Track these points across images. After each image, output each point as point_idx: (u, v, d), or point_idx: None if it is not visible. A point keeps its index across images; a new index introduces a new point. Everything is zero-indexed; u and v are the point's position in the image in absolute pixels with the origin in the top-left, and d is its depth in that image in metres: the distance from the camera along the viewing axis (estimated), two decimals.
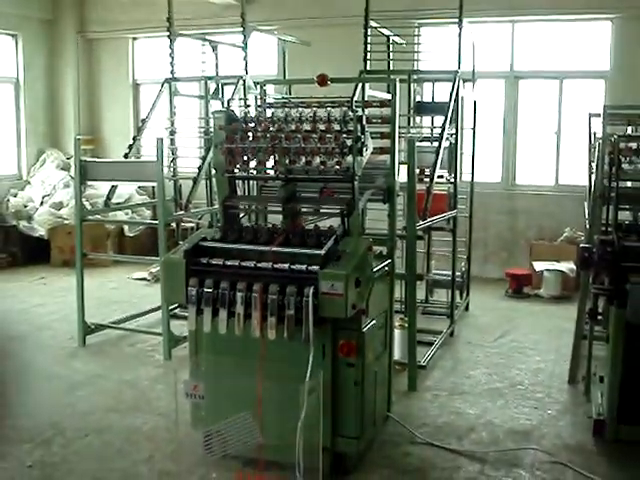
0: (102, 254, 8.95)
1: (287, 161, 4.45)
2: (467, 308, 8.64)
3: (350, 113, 4.36)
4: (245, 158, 4.52)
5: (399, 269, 6.82)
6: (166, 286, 4.40)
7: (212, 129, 5.09)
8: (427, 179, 6.61)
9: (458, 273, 8.05)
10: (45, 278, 10.58)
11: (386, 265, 4.80)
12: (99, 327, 7.45)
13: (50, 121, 12.83)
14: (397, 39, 8.21)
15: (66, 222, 11.29)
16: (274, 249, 4.21)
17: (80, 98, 12.88)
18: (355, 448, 4.41)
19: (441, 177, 7.11)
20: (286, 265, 4.12)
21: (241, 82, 8.04)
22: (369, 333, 4.39)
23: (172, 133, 8.33)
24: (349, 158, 4.41)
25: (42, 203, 11.82)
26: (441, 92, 8.31)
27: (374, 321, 4.51)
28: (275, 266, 4.14)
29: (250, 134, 4.48)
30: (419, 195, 6.04)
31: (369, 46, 7.62)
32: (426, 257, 8.32)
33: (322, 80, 4.84)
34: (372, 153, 5.17)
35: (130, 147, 7.79)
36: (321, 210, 4.65)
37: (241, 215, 4.85)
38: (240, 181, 4.99)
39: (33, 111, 12.49)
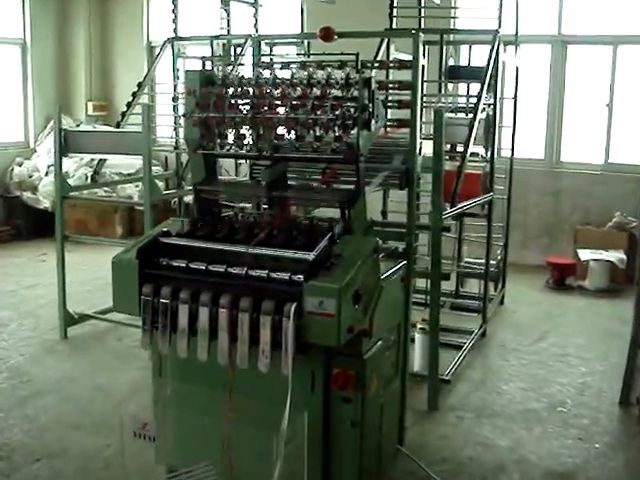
0: (84, 236, 8.09)
1: (273, 136, 3.48)
2: (502, 301, 7.67)
3: (354, 74, 3.38)
4: (222, 131, 3.57)
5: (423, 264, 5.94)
6: (116, 292, 3.49)
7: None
8: (458, 157, 5.62)
9: (493, 262, 7.08)
10: (46, 254, 9.77)
11: (400, 268, 3.82)
12: (84, 317, 6.62)
13: (59, 86, 11.97)
14: None
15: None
16: (250, 250, 3.26)
17: (92, 61, 12.02)
18: None
19: (475, 154, 6.11)
20: (264, 272, 3.19)
21: (250, 42, 7.05)
22: (373, 359, 3.44)
23: (175, 99, 7.43)
24: (353, 132, 3.44)
25: (47, 173, 11.00)
26: (479, 57, 7.30)
27: (380, 342, 3.56)
28: (250, 273, 3.20)
29: (227, 101, 3.51)
30: (448, 176, 5.05)
31: (395, 1, 6.58)
32: (457, 243, 7.33)
33: (326, 34, 3.91)
34: (388, 126, 4.23)
35: (123, 115, 6.90)
36: (314, 199, 3.67)
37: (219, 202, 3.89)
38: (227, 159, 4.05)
39: (41, 75, 11.64)
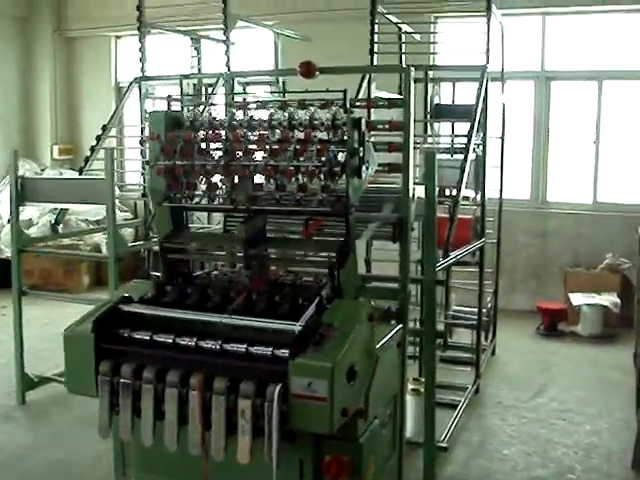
0: (43, 292, 7.57)
1: (249, 185, 3.03)
2: (494, 352, 7.22)
3: (342, 114, 2.95)
4: (191, 180, 3.11)
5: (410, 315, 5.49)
6: (69, 371, 2.99)
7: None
8: (448, 201, 5.21)
9: (483, 310, 6.65)
10: (6, 307, 9.17)
11: (396, 333, 3.36)
12: (44, 380, 6.07)
13: (23, 128, 11.51)
14: (409, 29, 6.75)
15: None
16: (225, 320, 2.79)
17: (58, 102, 11.56)
18: None
19: (466, 198, 5.71)
20: (242, 346, 2.71)
21: (221, 80, 6.65)
22: (369, 441, 2.97)
23: (142, 143, 6.97)
24: (342, 180, 3.00)
25: (9, 221, 10.43)
26: (462, 94, 6.95)
27: (377, 420, 3.09)
28: (225, 347, 2.73)
29: (196, 146, 3.06)
30: (438, 222, 4.62)
31: (376, 37, 6.20)
32: (444, 290, 6.89)
33: (307, 70, 3.48)
34: (377, 171, 3.79)
35: (86, 160, 6.43)
36: (298, 259, 3.21)
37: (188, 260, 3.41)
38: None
39: (3, 116, 11.15)
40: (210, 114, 3.21)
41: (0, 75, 11.02)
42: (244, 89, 7.85)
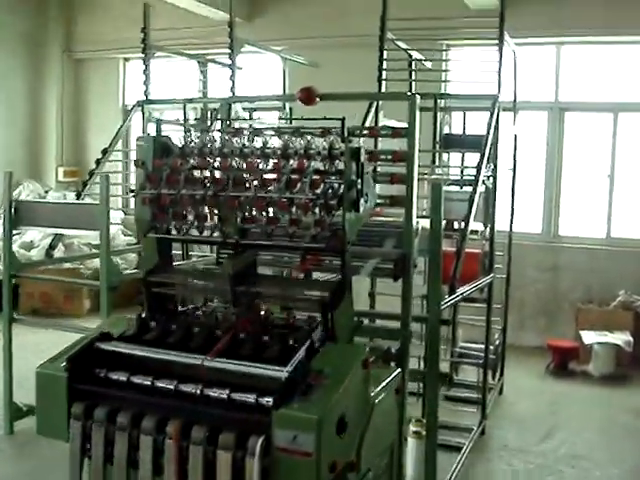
0: (36, 318, 7.35)
1: (239, 218, 2.83)
2: (501, 391, 6.95)
3: (339, 143, 2.75)
4: (178, 211, 2.92)
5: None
6: (40, 412, 2.79)
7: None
8: (455, 235, 5.00)
9: (491, 347, 6.40)
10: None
11: (394, 378, 3.13)
12: (33, 410, 5.84)
13: (28, 149, 11.37)
14: (419, 55, 6.57)
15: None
16: (207, 363, 2.58)
17: (64, 123, 11.44)
18: None
19: (475, 232, 5.49)
20: (224, 392, 2.50)
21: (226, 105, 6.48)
22: None
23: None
24: (338, 214, 2.79)
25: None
26: (473, 124, 6.77)
27: (370, 472, 2.85)
28: (206, 392, 2.52)
29: (183, 174, 2.87)
30: (444, 256, 4.40)
31: (385, 63, 6.02)
32: (450, 326, 6.66)
33: (307, 96, 3.29)
34: (378, 205, 3.61)
35: (84, 184, 6.26)
36: (288, 297, 2.99)
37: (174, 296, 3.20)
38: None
39: (8, 137, 11.01)
40: (202, 140, 3.03)
41: (7, 93, 10.91)
42: (250, 115, 7.72)
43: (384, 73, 6.06)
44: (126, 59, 11.37)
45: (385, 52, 6.10)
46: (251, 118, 7.63)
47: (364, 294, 5.82)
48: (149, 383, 2.63)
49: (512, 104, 6.64)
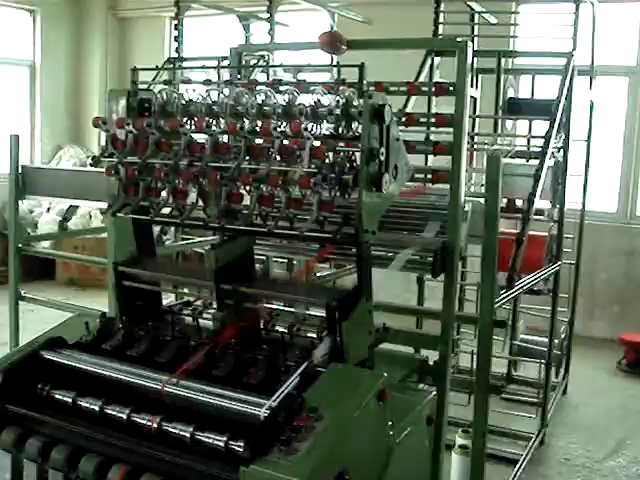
0: (40, 295, 6.79)
1: (223, 196, 2.16)
2: (565, 391, 6.19)
3: (355, 99, 2.05)
4: (151, 184, 2.27)
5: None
6: None
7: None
8: (518, 216, 4.24)
9: (555, 341, 5.65)
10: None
11: (426, 404, 2.43)
12: None
13: (71, 112, 10.94)
14: (481, 9, 5.76)
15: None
16: (167, 388, 1.94)
17: (108, 85, 10.88)
18: None
19: (540, 212, 4.73)
20: (187, 429, 1.86)
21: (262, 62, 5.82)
22: None
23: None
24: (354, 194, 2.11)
25: (49, 209, 9.86)
26: (543, 89, 5.97)
27: None
28: (164, 427, 1.88)
29: (152, 137, 2.21)
30: (503, 241, 3.67)
31: (442, 16, 5.24)
32: (512, 316, 5.93)
33: (328, 41, 2.59)
34: (417, 180, 2.90)
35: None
36: (287, 299, 2.31)
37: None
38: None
39: (51, 101, 10.61)
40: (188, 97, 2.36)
41: (47, 56, 10.49)
42: (295, 77, 7.03)
43: (440, 28, 5.29)
44: (173, 17, 10.76)
45: (443, 4, 5.32)
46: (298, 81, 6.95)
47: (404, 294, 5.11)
48: (97, 409, 2.01)
49: (589, 67, 5.84)
